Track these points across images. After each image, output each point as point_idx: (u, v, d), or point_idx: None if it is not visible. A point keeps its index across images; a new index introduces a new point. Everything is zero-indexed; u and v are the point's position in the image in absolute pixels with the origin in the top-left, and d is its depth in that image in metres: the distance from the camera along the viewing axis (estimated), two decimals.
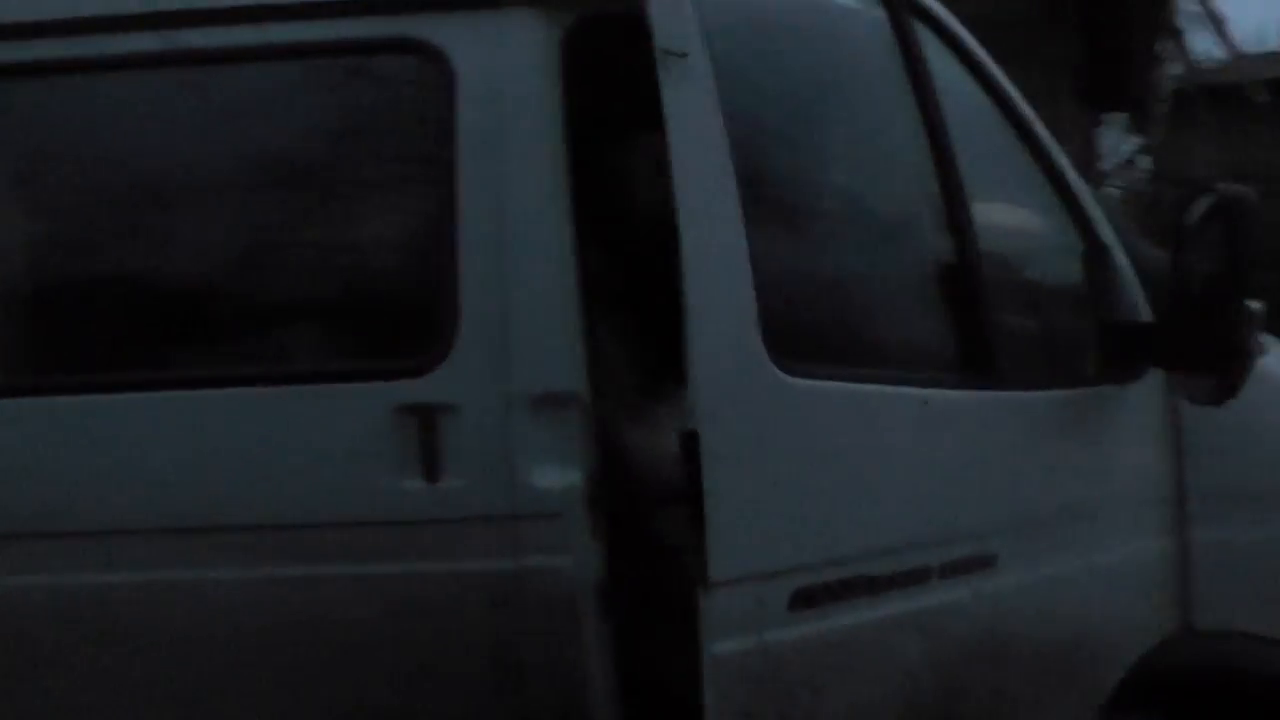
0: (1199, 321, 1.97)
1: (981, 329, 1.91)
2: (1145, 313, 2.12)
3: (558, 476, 1.82)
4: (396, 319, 1.96)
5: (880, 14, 1.94)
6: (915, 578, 1.75)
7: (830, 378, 1.69)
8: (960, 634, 1.81)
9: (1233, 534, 2.12)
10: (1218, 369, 1.97)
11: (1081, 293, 2.13)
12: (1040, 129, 2.13)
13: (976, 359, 1.89)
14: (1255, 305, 2.06)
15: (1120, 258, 2.13)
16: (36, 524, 1.92)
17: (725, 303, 1.58)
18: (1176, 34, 8.98)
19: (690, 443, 1.50)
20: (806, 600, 1.62)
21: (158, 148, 1.99)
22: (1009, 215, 2.17)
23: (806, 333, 1.76)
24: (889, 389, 1.78)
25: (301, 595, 1.88)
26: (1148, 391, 2.11)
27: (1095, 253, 2.13)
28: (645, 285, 2.08)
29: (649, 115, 1.71)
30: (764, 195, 1.78)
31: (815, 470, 1.65)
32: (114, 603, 1.91)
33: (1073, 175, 2.15)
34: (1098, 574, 2.04)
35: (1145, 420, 2.11)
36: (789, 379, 1.62)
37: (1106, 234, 2.14)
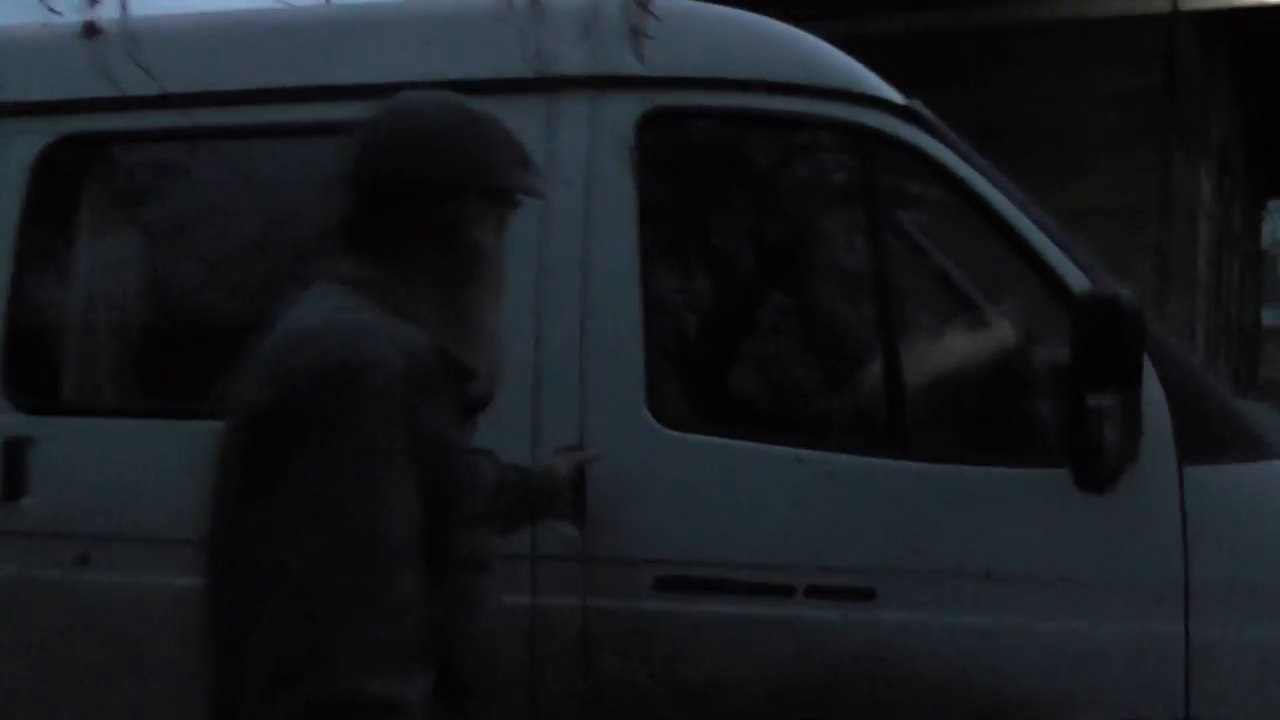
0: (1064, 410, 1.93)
1: (898, 409, 2.11)
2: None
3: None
4: None
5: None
6: (781, 591, 2.07)
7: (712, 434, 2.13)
8: (832, 647, 2.06)
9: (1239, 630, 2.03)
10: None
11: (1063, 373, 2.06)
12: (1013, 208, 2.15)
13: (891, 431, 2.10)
14: (1106, 401, 1.88)
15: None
16: (164, 529, 2.17)
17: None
18: None
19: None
20: (669, 585, 2.07)
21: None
22: None
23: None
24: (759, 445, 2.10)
25: None
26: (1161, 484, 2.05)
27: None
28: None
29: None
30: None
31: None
32: None
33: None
34: (1031, 636, 2.04)
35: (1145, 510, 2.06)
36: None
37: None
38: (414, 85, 2.15)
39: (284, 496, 1.07)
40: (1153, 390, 1.99)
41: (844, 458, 2.09)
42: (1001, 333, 2.22)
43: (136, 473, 2.26)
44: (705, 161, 2.32)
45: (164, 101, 2.29)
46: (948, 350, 2.17)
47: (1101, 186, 6.01)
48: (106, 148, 2.46)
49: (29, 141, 2.42)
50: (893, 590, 2.06)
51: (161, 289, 2.43)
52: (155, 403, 2.38)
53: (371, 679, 1.03)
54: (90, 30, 2.26)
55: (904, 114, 2.16)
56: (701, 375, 2.29)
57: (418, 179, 1.26)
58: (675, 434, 2.11)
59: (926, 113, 2.17)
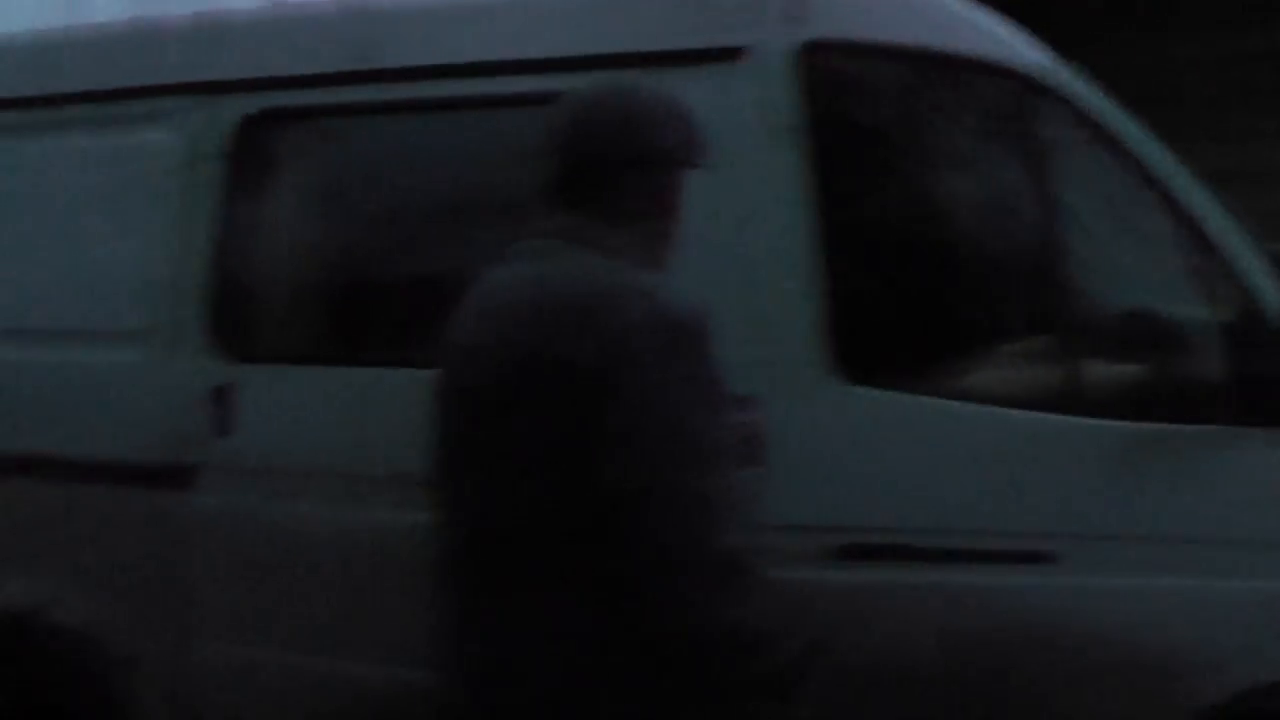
0: None
1: (1072, 367, 2.12)
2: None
3: None
4: None
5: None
6: (959, 557, 1.99)
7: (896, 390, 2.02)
8: (1004, 616, 2.01)
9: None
10: None
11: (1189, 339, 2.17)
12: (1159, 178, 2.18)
13: (1064, 389, 2.07)
14: None
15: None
16: (348, 466, 2.43)
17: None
18: None
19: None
20: (851, 554, 1.99)
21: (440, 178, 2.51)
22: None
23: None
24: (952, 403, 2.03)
25: None
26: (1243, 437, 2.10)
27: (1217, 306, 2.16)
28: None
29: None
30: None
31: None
32: (380, 534, 2.38)
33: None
34: (1193, 596, 2.07)
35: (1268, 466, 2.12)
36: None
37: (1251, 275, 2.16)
38: (603, 57, 2.37)
39: (655, 431, 1.30)
40: None
41: (1029, 415, 2.08)
42: (1179, 294, 2.24)
43: (331, 415, 2.51)
44: (876, 107, 2.38)
45: (345, 78, 2.56)
46: (1128, 309, 2.20)
47: (1234, 149, 5.82)
48: (302, 120, 2.69)
49: (232, 113, 2.67)
50: (1074, 554, 2.05)
51: (346, 251, 2.67)
52: (345, 351, 2.63)
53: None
54: None
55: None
56: (882, 328, 2.26)
57: (644, 153, 1.50)
58: (858, 389, 2.06)
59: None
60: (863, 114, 2.34)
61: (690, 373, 1.33)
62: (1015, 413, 2.10)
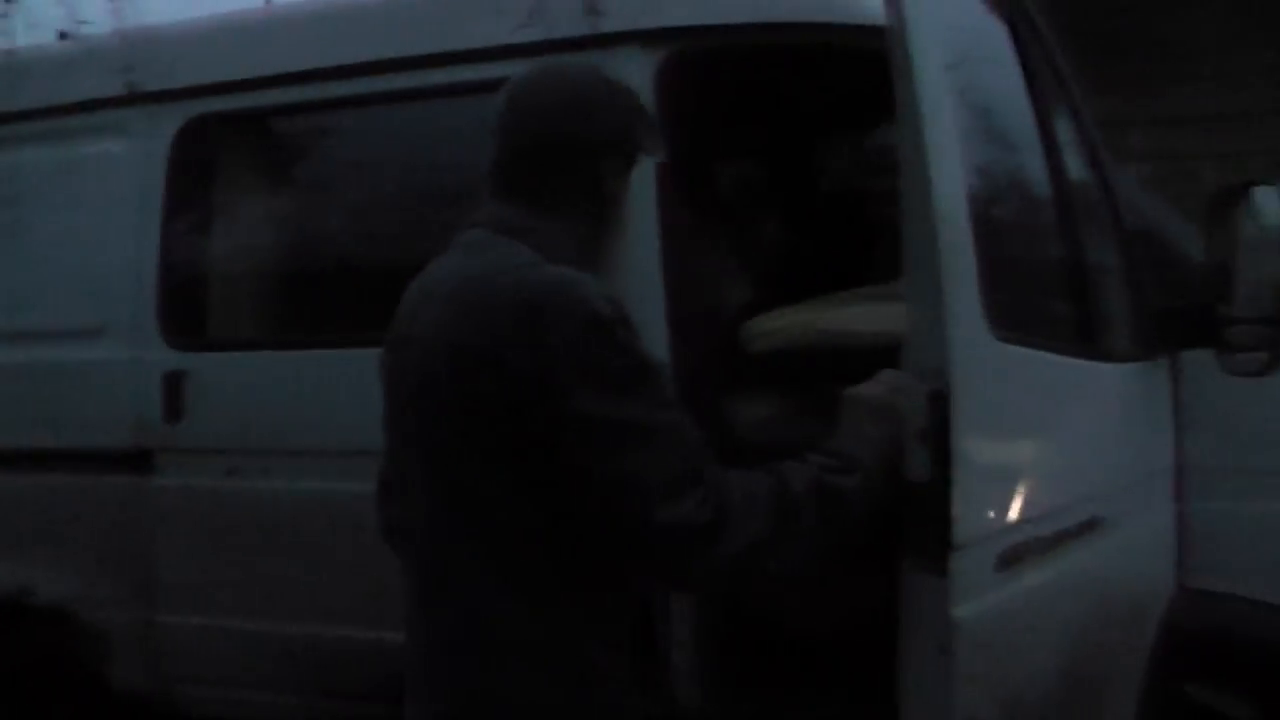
0: (1238, 300, 2.05)
1: (1092, 307, 2.07)
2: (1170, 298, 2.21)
3: None
4: None
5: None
6: (1060, 539, 1.70)
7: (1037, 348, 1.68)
8: (1087, 592, 1.82)
9: (1227, 504, 2.17)
10: (1263, 343, 2.04)
11: (1122, 277, 2.23)
12: (1091, 123, 2.22)
13: (1089, 333, 2.00)
14: None
15: (1148, 246, 2.24)
16: (295, 443, 2.54)
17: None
18: None
19: (940, 405, 1.37)
20: (1007, 562, 1.54)
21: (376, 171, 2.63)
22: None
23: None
24: (1064, 359, 1.80)
25: None
26: (1161, 370, 2.23)
27: (1129, 242, 2.24)
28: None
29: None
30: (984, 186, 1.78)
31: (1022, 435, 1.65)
32: (335, 506, 2.45)
33: (1111, 164, 2.26)
34: (1146, 536, 2.12)
35: (1161, 396, 2.23)
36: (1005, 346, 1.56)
37: (1135, 223, 2.25)
38: (485, 50, 2.46)
39: (600, 421, 1.30)
40: None
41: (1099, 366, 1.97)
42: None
43: (274, 396, 2.67)
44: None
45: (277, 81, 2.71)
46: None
47: (1211, 90, 5.78)
48: (238, 122, 2.87)
49: (172, 120, 2.86)
50: (1114, 513, 1.88)
51: (284, 244, 2.85)
52: (288, 336, 2.81)
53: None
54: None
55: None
56: (1035, 285, 2.05)
57: (580, 139, 1.44)
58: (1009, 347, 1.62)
59: None
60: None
61: (622, 362, 1.32)
62: None
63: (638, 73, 2.35)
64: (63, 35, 3.29)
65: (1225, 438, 2.19)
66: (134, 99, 2.87)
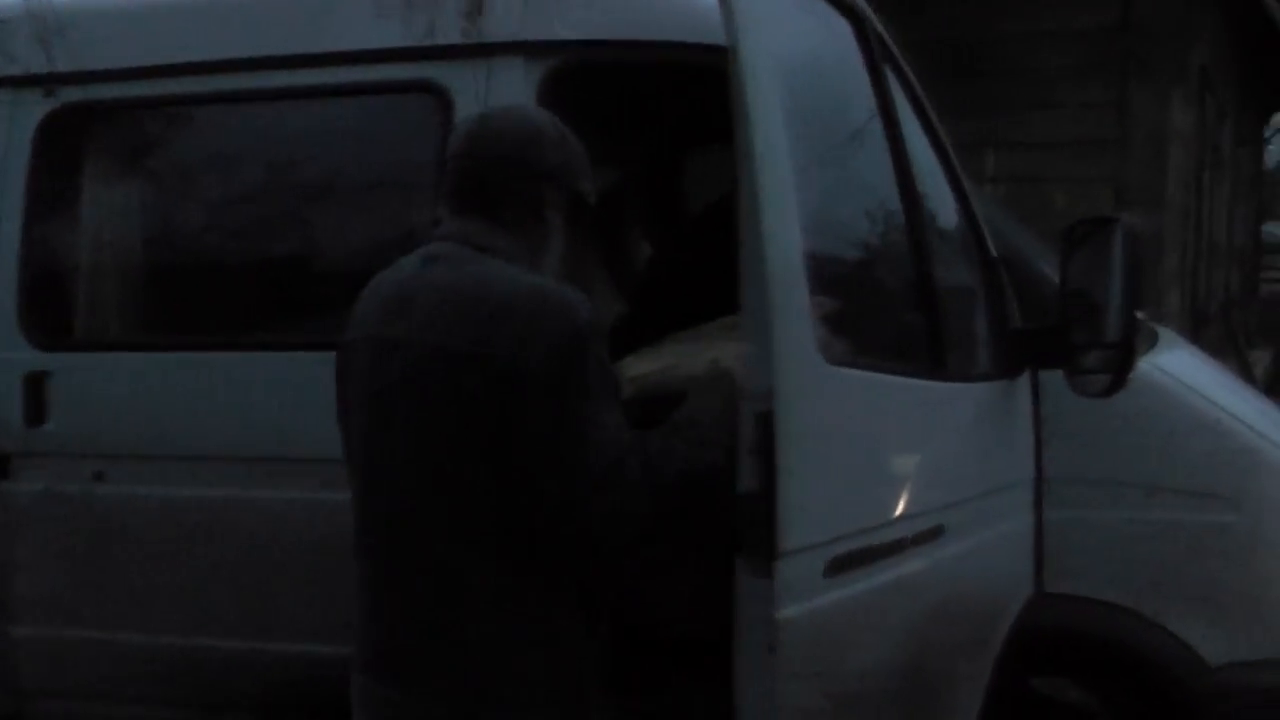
0: (1094, 325, 2.20)
1: (938, 329, 2.12)
2: (1018, 319, 2.38)
3: None
4: None
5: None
6: (897, 547, 1.81)
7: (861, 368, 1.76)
8: (926, 597, 1.93)
9: (1081, 513, 2.35)
10: (1111, 366, 2.18)
11: (980, 300, 2.38)
12: (950, 150, 2.35)
13: (933, 354, 2.07)
14: (1139, 313, 2.22)
15: (1006, 271, 2.39)
16: (166, 448, 2.53)
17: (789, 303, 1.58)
18: None
19: (766, 424, 1.47)
20: (838, 567, 1.63)
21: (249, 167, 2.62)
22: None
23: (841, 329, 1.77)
24: (900, 379, 1.90)
25: (330, 515, 2.14)
26: (1023, 387, 2.35)
27: (988, 265, 2.39)
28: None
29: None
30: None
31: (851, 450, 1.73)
32: (208, 511, 2.51)
33: (972, 192, 2.41)
34: (998, 543, 2.27)
35: (1022, 412, 2.35)
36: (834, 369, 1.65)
37: (995, 249, 2.40)
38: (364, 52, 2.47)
39: (573, 417, 1.52)
40: None
41: (934, 385, 2.01)
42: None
43: (140, 399, 2.62)
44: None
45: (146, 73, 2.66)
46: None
47: (1062, 120, 6.15)
48: (106, 113, 2.81)
49: (36, 108, 2.77)
50: (954, 522, 1.99)
51: (150, 241, 2.78)
52: (156, 337, 2.76)
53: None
54: None
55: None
56: (873, 310, 2.12)
57: (531, 166, 1.67)
58: (841, 370, 1.68)
59: None
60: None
61: (598, 368, 1.55)
62: None
63: (520, 84, 2.39)
64: None
65: (1080, 451, 2.31)
66: None
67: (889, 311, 2.18)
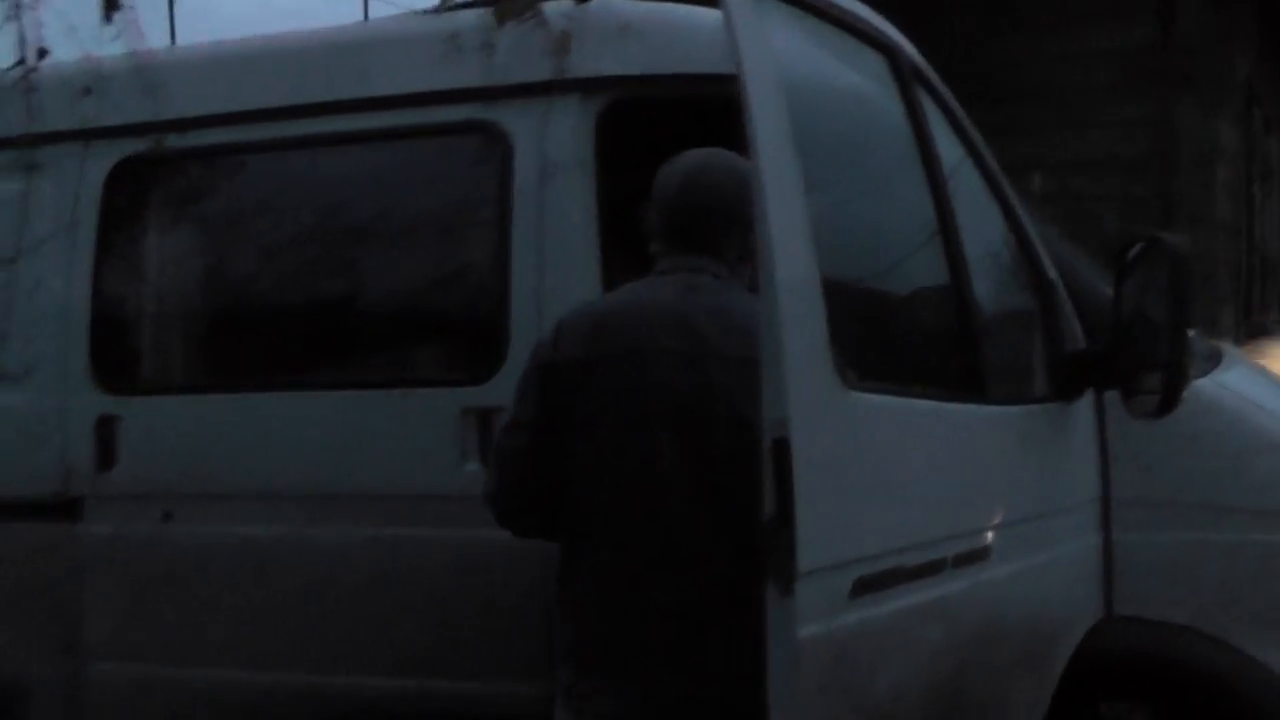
0: (1146, 346, 2.22)
1: (975, 352, 2.14)
2: (1081, 340, 2.40)
3: None
4: (466, 340, 2.61)
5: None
6: (932, 569, 1.83)
7: (883, 393, 1.79)
8: (967, 618, 1.95)
9: (1148, 535, 2.35)
10: (1161, 387, 2.19)
11: (1033, 323, 2.39)
12: (999, 175, 2.39)
13: (970, 378, 2.09)
14: (1191, 332, 2.21)
15: (1063, 293, 2.42)
16: (231, 488, 2.62)
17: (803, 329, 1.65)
18: None
19: (782, 450, 1.54)
20: (866, 587, 1.68)
21: (296, 211, 2.72)
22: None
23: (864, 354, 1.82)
24: (925, 403, 1.90)
25: (390, 551, 2.43)
26: (1084, 409, 2.34)
27: (1044, 288, 2.41)
28: None
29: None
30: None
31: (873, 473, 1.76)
32: (272, 548, 2.59)
33: (1025, 216, 2.44)
34: (1057, 566, 2.28)
35: (1084, 434, 2.34)
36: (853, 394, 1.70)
37: (1052, 272, 2.43)
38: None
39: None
40: None
41: (969, 409, 2.02)
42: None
43: (206, 440, 2.73)
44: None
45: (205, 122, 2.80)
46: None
47: (1108, 139, 6.11)
48: (173, 162, 2.91)
49: (105, 160, 2.90)
50: (1000, 545, 2.01)
51: (218, 286, 2.89)
52: (219, 381, 2.86)
53: None
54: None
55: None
56: (901, 335, 2.16)
57: (741, 212, 1.81)
58: (860, 394, 1.73)
59: None
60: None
61: None
62: None
63: (578, 121, 2.51)
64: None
65: (1145, 472, 2.29)
66: (68, 136, 2.91)
67: (918, 336, 2.21)
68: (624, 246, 2.57)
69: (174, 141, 2.79)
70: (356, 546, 2.50)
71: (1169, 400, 2.14)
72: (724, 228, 1.93)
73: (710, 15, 2.25)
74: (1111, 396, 2.32)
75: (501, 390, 2.17)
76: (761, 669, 1.55)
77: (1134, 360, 2.20)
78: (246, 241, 2.82)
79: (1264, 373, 2.93)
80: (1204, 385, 2.32)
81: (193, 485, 2.69)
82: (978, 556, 1.94)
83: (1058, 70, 6.32)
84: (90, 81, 2.88)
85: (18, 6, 2.87)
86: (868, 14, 2.05)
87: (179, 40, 3.00)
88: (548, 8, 2.57)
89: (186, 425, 2.73)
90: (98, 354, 2.81)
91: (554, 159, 2.50)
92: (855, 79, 2.07)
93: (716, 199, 1.93)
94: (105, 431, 2.75)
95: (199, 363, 2.90)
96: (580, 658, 1.88)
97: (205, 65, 2.87)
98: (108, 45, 2.82)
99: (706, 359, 1.85)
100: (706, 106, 2.54)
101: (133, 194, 2.85)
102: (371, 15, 6.57)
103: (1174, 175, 6.14)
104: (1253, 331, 7.74)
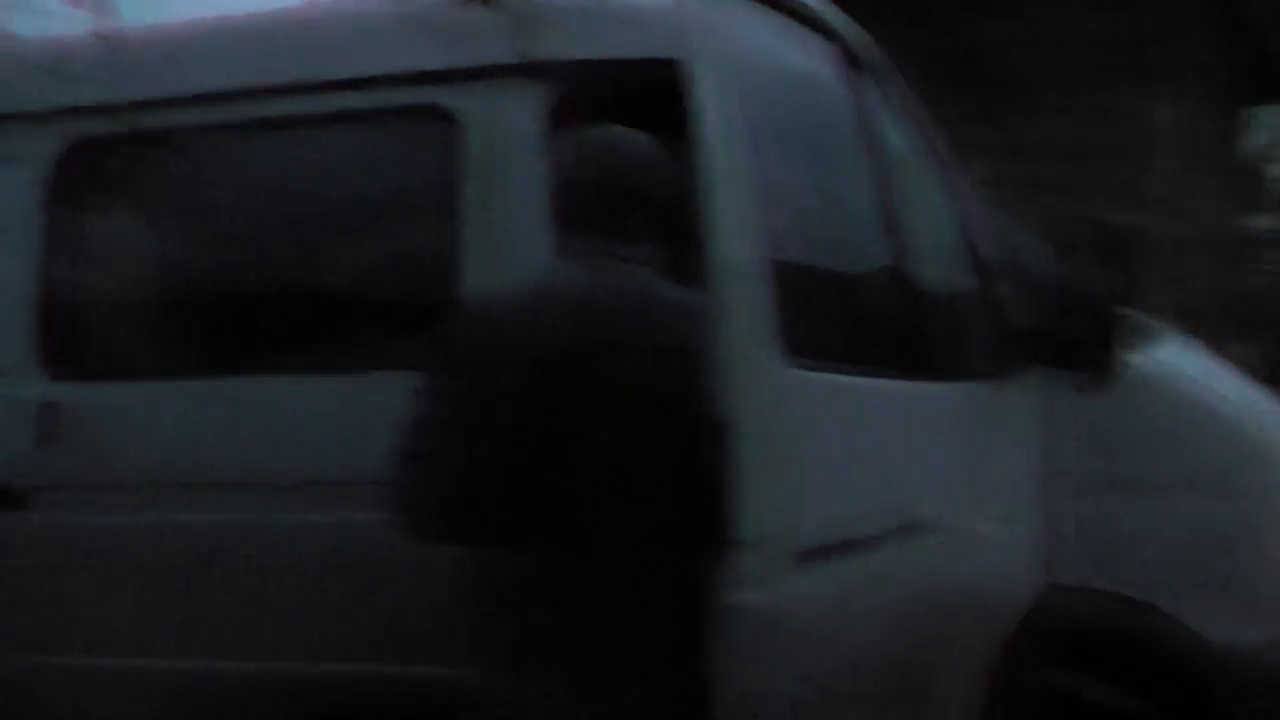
0: (1081, 323, 2.31)
1: (917, 330, 2.22)
2: (1025, 319, 2.46)
3: None
4: (414, 326, 2.49)
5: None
6: (876, 540, 1.88)
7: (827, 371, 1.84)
8: (910, 589, 1.99)
9: (1091, 508, 2.43)
10: (1095, 365, 2.30)
11: (976, 303, 2.45)
12: (947, 159, 2.45)
13: (911, 355, 2.15)
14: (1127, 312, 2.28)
15: (1007, 273, 2.49)
16: (187, 476, 2.57)
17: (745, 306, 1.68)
18: None
19: (726, 426, 1.59)
20: (810, 557, 1.71)
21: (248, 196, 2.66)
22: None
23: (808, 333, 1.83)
24: (868, 381, 1.95)
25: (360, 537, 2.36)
26: (1027, 385, 2.40)
27: (987, 269, 2.48)
28: None
29: None
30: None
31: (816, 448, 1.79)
32: (217, 537, 2.56)
33: (972, 200, 2.50)
34: (1001, 537, 2.33)
35: (1029, 409, 2.41)
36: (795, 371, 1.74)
37: (996, 253, 2.50)
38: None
39: None
40: None
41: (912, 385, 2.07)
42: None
43: (155, 427, 2.68)
44: None
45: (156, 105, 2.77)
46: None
47: (1056, 124, 6.24)
48: (117, 147, 2.87)
49: (56, 142, 2.86)
50: (944, 519, 2.08)
51: (166, 271, 2.83)
52: (168, 366, 2.82)
53: None
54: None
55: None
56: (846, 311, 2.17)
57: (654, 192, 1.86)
58: (804, 372, 1.76)
59: None
60: None
61: None
62: None
63: (529, 106, 2.50)
64: None
65: (1088, 446, 2.37)
66: (16, 118, 2.86)
67: (862, 316, 2.23)
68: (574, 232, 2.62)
69: (126, 124, 2.72)
70: (310, 531, 2.47)
71: (1101, 375, 2.23)
72: (629, 208, 1.85)
73: (663, 1, 2.30)
74: (1052, 373, 2.41)
75: None
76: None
77: (1070, 336, 2.29)
78: (195, 226, 2.79)
79: (1199, 349, 3.04)
80: (1139, 361, 2.41)
81: (141, 473, 2.65)
82: (920, 528, 1.99)
83: (1017, 56, 6.43)
84: (42, 62, 2.81)
85: None
86: (815, 2, 2.10)
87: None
88: None
89: (134, 412, 2.68)
90: (43, 339, 2.75)
91: (506, 144, 2.48)
92: (803, 65, 2.10)
93: (618, 179, 1.85)
94: (50, 417, 2.69)
95: (147, 348, 2.83)
96: (535, 656, 1.82)
97: (153, 48, 2.80)
98: (65, 24, 2.80)
99: (627, 350, 1.78)
100: (658, 91, 2.65)
101: (81, 178, 2.79)
102: None
103: (1116, 159, 6.29)
104: (1190, 311, 7.94)
